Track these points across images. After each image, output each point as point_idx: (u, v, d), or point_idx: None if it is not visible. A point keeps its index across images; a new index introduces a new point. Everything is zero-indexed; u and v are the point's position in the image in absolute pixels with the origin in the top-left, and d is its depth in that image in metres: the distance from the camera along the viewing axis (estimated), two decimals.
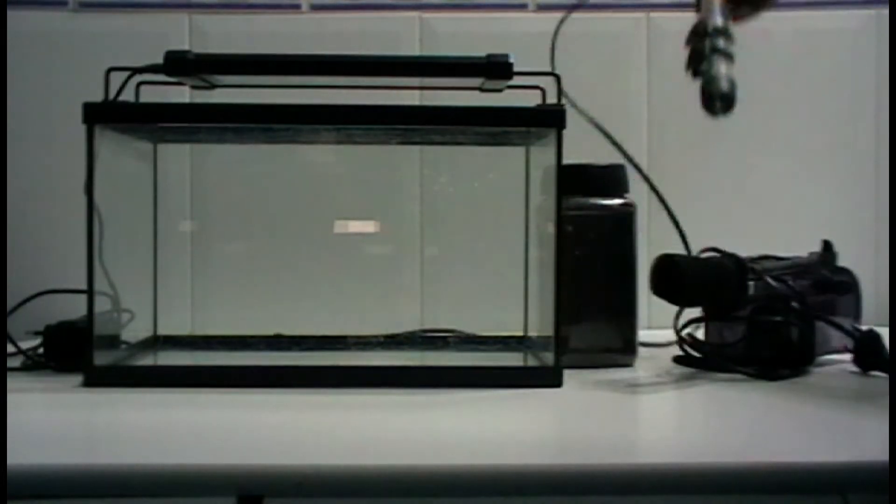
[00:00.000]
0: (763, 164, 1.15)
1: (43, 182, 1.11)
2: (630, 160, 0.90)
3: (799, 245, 0.93)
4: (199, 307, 1.08)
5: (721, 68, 0.82)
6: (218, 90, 0.87)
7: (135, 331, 0.91)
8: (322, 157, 1.07)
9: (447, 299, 1.08)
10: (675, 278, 0.80)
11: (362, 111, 0.80)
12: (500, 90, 0.84)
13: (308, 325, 0.96)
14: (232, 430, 0.64)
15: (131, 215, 0.94)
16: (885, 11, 1.14)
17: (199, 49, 0.83)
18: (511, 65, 0.79)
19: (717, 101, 0.81)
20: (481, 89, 0.85)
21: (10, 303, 0.90)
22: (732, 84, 0.82)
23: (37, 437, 0.62)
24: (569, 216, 0.83)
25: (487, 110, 0.80)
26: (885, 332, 0.84)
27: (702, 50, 0.83)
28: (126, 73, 0.80)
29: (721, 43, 0.83)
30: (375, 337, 0.97)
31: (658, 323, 0.94)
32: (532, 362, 0.87)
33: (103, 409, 0.72)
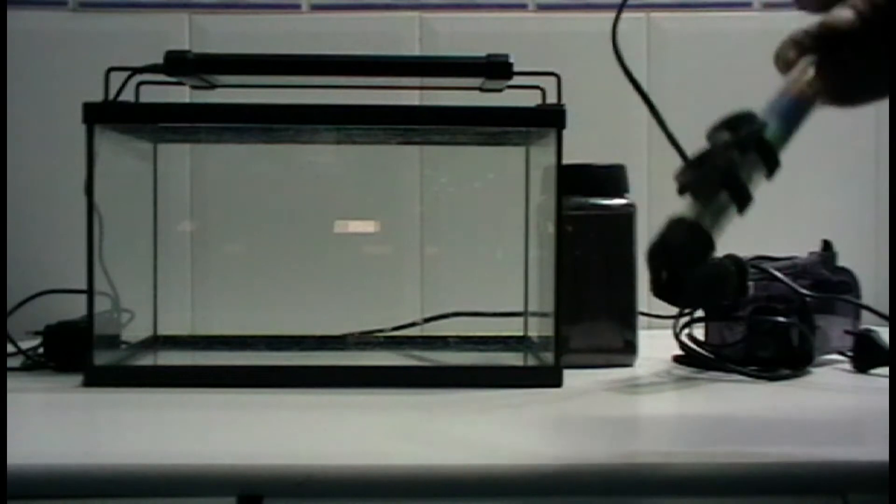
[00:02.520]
0: None
1: (43, 182, 1.11)
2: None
3: (799, 245, 0.93)
4: (199, 307, 1.08)
5: (716, 211, 0.52)
6: (218, 90, 0.87)
7: (135, 331, 0.91)
8: (322, 157, 1.07)
9: (447, 299, 1.08)
10: (675, 280, 0.80)
11: (362, 111, 0.80)
12: (500, 90, 0.84)
13: (308, 325, 0.96)
14: (232, 430, 0.64)
15: (131, 215, 0.94)
16: None
17: (199, 49, 0.83)
18: (511, 65, 0.79)
19: (659, 268, 0.52)
20: (481, 89, 0.85)
21: (10, 303, 0.90)
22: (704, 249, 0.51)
23: (37, 437, 0.62)
24: (569, 216, 0.83)
25: (487, 110, 0.80)
26: (884, 332, 0.84)
27: (718, 167, 0.53)
28: (126, 73, 0.80)
29: (743, 163, 0.54)
30: (375, 337, 0.97)
31: (658, 323, 0.94)
32: (532, 362, 0.87)
33: (103, 409, 0.72)
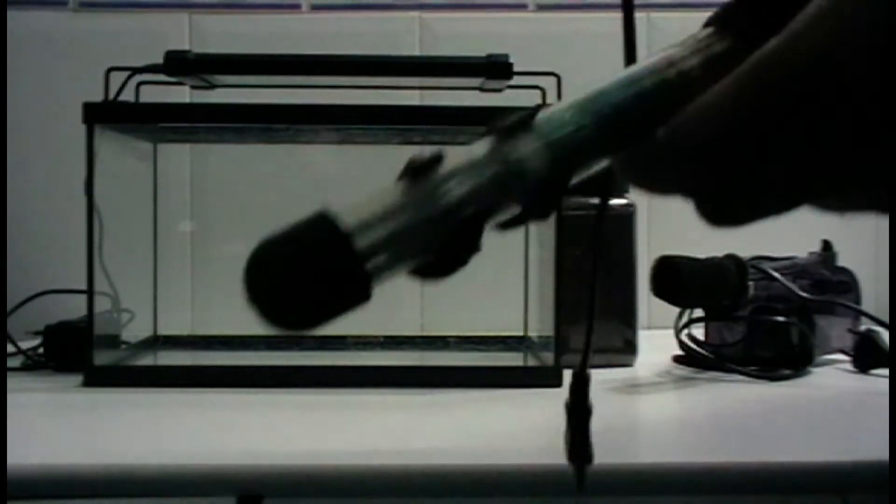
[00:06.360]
0: None
1: (43, 182, 1.11)
2: None
3: (799, 245, 0.93)
4: (199, 307, 1.08)
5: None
6: (218, 90, 0.87)
7: (135, 331, 0.91)
8: (322, 157, 1.07)
9: (447, 299, 1.08)
10: (675, 280, 0.80)
11: (362, 111, 0.80)
12: (500, 90, 0.84)
13: None
14: (232, 430, 0.64)
15: (131, 215, 0.94)
16: None
17: (199, 49, 0.83)
18: (511, 65, 0.79)
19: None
20: (481, 89, 0.85)
21: (10, 303, 0.90)
22: None
23: (37, 437, 0.62)
24: (569, 216, 0.82)
25: (487, 110, 0.80)
26: (886, 333, 0.84)
27: None
28: (126, 73, 0.80)
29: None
30: (375, 337, 0.97)
31: (658, 323, 0.94)
32: (532, 362, 0.87)
33: (103, 409, 0.72)
